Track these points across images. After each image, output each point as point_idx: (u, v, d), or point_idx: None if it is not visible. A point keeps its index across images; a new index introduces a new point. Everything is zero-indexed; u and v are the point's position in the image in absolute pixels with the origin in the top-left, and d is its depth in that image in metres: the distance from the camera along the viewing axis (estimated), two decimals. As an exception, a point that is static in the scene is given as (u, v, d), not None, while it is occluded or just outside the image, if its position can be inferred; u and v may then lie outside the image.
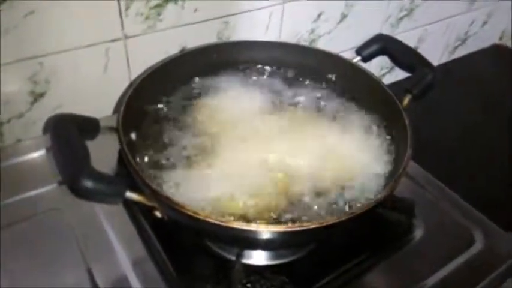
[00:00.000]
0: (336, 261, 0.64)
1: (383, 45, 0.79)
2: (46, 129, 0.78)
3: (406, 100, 0.69)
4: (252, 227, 0.50)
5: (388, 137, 0.71)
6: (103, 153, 0.64)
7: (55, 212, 0.66)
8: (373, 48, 0.79)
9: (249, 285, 0.59)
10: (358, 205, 0.60)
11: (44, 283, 0.58)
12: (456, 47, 1.40)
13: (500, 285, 0.68)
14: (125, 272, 0.60)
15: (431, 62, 0.74)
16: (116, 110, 0.83)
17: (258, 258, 0.63)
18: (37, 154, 0.74)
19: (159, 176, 0.61)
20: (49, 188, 0.69)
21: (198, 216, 0.49)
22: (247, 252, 0.61)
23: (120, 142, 0.57)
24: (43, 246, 0.62)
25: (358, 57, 0.79)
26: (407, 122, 0.65)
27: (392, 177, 0.61)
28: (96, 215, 0.66)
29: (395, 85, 1.05)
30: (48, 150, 0.74)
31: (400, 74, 0.90)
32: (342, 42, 1.05)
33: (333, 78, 0.82)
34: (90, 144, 0.54)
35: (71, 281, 0.59)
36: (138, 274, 0.60)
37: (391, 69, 1.23)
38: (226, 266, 0.60)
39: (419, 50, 1.22)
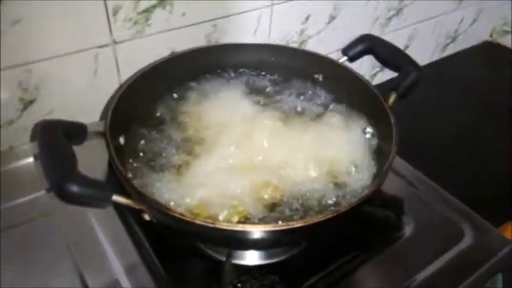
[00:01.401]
0: (327, 259, 0.65)
1: (369, 44, 0.80)
2: (33, 136, 0.78)
3: (392, 99, 0.70)
4: (238, 227, 0.51)
5: (375, 135, 0.72)
6: (94, 158, 0.65)
7: (47, 218, 0.66)
8: (359, 48, 0.79)
9: (239, 285, 0.59)
10: (344, 203, 0.61)
11: (36, 288, 0.58)
12: (447, 45, 1.40)
13: (489, 280, 0.69)
14: (117, 275, 0.60)
15: (422, 60, 0.75)
16: (103, 115, 0.83)
17: (249, 258, 0.63)
18: (29, 161, 0.74)
19: (147, 179, 0.62)
20: (41, 194, 0.69)
21: (184, 218, 0.50)
22: (237, 253, 0.62)
23: (108, 146, 0.58)
24: (35, 252, 0.62)
25: (345, 57, 0.80)
26: (392, 120, 0.65)
27: (378, 175, 0.62)
28: (88, 220, 0.66)
29: (387, 83, 1.06)
30: (35, 157, 0.74)
31: (393, 72, 0.91)
32: (332, 43, 1.06)
33: (320, 79, 0.82)
34: (81, 149, 0.55)
35: (63, 286, 0.59)
36: (130, 278, 0.60)
37: (383, 67, 1.23)
38: (217, 267, 0.60)
39: (410, 49, 1.23)
